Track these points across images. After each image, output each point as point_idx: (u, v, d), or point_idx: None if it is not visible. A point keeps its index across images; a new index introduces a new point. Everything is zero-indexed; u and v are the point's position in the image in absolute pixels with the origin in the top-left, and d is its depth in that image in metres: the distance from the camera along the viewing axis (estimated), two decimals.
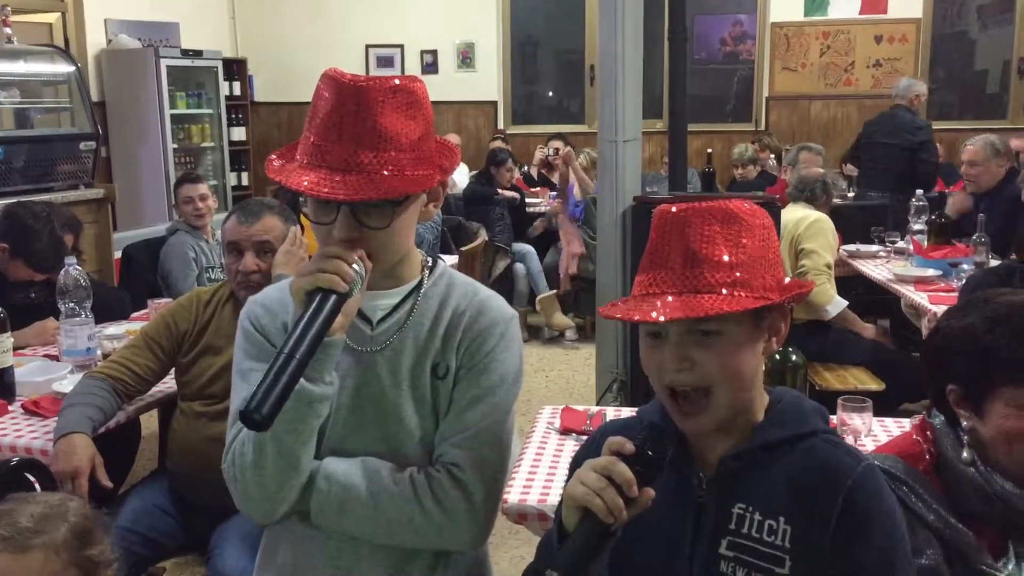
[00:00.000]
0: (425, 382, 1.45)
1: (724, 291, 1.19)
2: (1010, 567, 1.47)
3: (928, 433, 1.59)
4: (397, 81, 1.35)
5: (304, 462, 1.40)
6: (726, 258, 1.20)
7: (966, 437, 1.53)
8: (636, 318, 1.20)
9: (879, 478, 1.25)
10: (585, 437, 2.42)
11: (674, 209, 1.24)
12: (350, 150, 1.31)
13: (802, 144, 5.72)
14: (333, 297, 1.30)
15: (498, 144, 7.82)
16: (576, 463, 1.35)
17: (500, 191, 6.80)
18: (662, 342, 1.23)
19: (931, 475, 1.54)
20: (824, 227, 4.32)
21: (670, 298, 1.19)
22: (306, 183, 1.31)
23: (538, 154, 8.26)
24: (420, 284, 1.49)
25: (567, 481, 1.30)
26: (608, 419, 2.52)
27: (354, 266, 1.32)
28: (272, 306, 1.51)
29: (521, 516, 2.08)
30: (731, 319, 1.19)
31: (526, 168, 8.31)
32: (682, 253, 1.21)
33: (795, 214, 4.36)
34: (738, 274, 1.20)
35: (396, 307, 1.47)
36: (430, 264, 1.52)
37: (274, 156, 1.43)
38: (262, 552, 1.58)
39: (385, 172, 1.32)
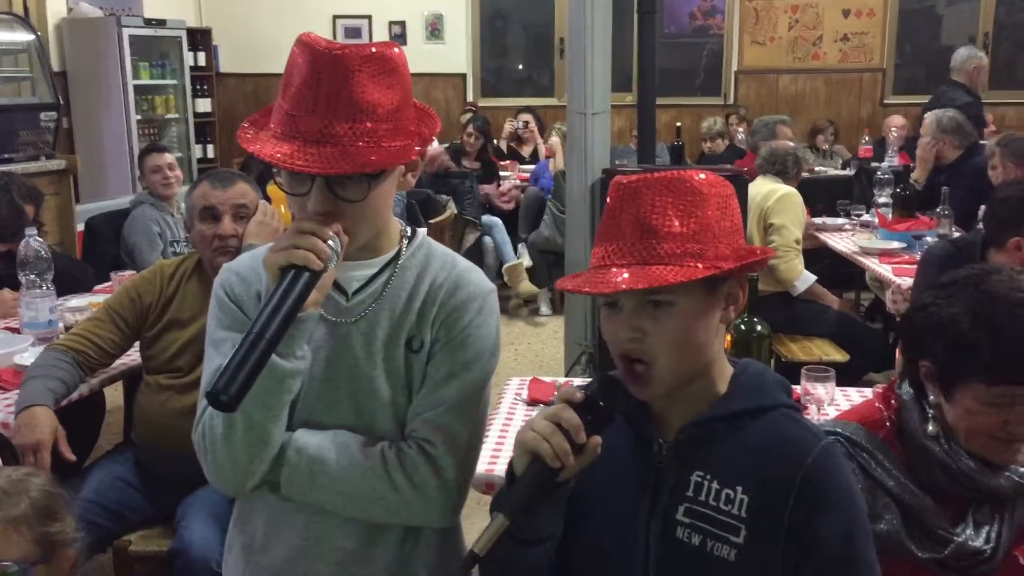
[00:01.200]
0: (399, 355, 1.43)
1: (674, 262, 1.19)
2: (968, 532, 1.49)
3: (892, 401, 1.61)
4: (374, 49, 1.31)
5: (275, 436, 1.39)
6: (677, 228, 1.21)
7: (931, 411, 1.54)
8: (586, 290, 1.21)
9: (837, 455, 1.26)
10: None
11: (627, 180, 1.24)
12: (325, 121, 1.28)
13: (777, 117, 5.69)
14: (306, 274, 1.27)
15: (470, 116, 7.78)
16: None
17: (465, 164, 6.80)
18: (617, 312, 1.25)
19: (891, 442, 1.56)
20: (794, 202, 4.34)
21: (624, 271, 1.20)
22: (279, 155, 1.28)
23: (507, 127, 8.23)
24: (398, 255, 1.47)
25: None
26: None
27: (329, 242, 1.30)
28: (246, 274, 1.49)
29: (488, 486, 2.09)
30: (682, 290, 1.20)
31: (496, 141, 8.28)
32: (634, 224, 1.22)
33: (764, 187, 4.38)
34: (689, 244, 1.20)
35: (372, 278, 1.45)
36: (409, 235, 1.50)
37: (246, 124, 1.40)
38: (234, 521, 1.58)
39: (361, 144, 1.28)
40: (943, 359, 1.50)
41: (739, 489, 1.23)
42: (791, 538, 1.20)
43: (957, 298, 1.49)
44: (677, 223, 1.21)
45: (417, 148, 1.37)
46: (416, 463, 1.40)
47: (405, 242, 1.48)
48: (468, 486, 1.48)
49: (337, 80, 1.28)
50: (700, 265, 1.20)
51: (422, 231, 1.54)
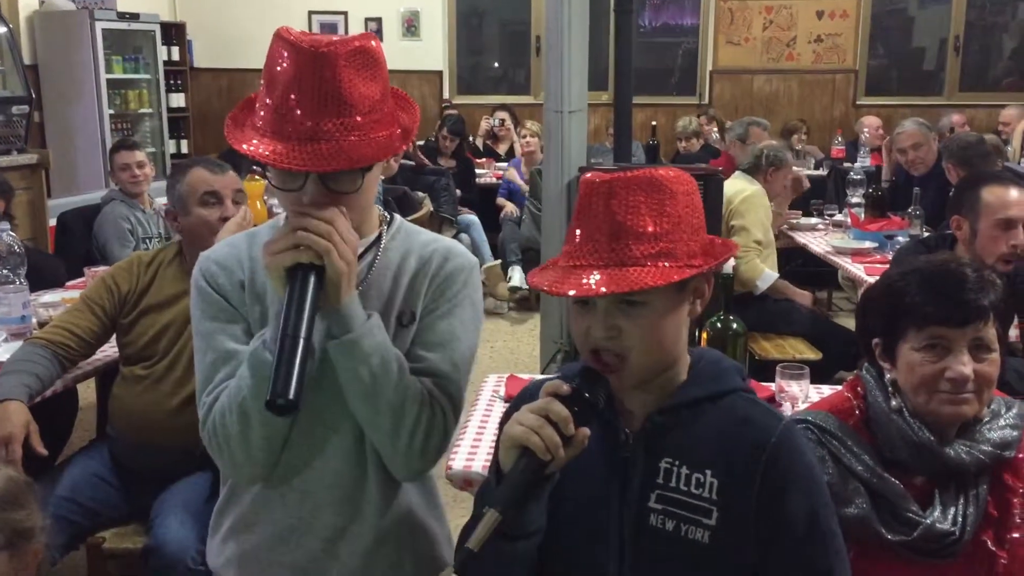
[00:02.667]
0: (390, 331, 1.46)
1: (649, 263, 1.21)
2: (935, 514, 1.53)
3: (859, 389, 1.67)
4: (356, 43, 1.33)
5: (287, 426, 1.43)
6: (650, 228, 1.22)
7: (891, 388, 1.61)
8: (567, 292, 1.21)
9: (798, 435, 1.31)
10: None
11: (598, 179, 1.25)
12: (314, 118, 1.30)
13: (751, 119, 5.72)
14: (314, 272, 1.30)
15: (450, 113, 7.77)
16: (507, 419, 1.37)
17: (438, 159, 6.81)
18: (589, 310, 1.26)
19: (861, 429, 1.63)
20: (756, 202, 4.36)
21: (596, 273, 1.21)
22: (273, 154, 1.30)
23: (484, 125, 8.23)
24: (379, 238, 1.51)
25: (500, 428, 1.33)
26: None
27: (339, 228, 1.33)
28: (227, 263, 1.50)
29: (466, 482, 2.10)
30: (656, 290, 1.21)
31: (471, 139, 8.28)
32: (607, 224, 1.22)
33: (734, 187, 4.41)
34: (662, 244, 1.22)
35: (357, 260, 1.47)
36: (388, 219, 1.54)
37: (230, 122, 1.41)
38: (219, 507, 1.60)
39: (352, 138, 1.31)
40: (883, 323, 1.59)
41: (708, 472, 1.26)
42: (760, 516, 1.25)
43: (890, 272, 1.63)
44: (650, 223, 1.22)
45: (402, 138, 1.40)
46: (438, 419, 1.45)
47: (385, 226, 1.52)
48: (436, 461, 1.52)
49: (323, 77, 1.29)
50: (673, 265, 1.22)
51: (398, 216, 1.59)
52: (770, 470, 1.25)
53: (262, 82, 1.35)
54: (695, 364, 1.34)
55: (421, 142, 7.38)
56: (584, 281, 1.21)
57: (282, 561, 1.52)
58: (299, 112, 1.30)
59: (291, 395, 1.21)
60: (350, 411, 1.44)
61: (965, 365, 1.50)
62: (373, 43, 1.36)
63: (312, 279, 1.30)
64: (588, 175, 1.28)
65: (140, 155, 4.50)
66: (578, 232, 1.25)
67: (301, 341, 1.25)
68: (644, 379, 1.28)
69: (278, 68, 1.32)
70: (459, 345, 1.49)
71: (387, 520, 1.52)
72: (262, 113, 1.34)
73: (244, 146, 1.33)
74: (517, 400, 1.41)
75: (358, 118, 1.32)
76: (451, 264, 1.50)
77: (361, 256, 1.47)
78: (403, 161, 6.41)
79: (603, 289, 1.19)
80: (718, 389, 1.31)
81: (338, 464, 1.48)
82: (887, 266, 3.93)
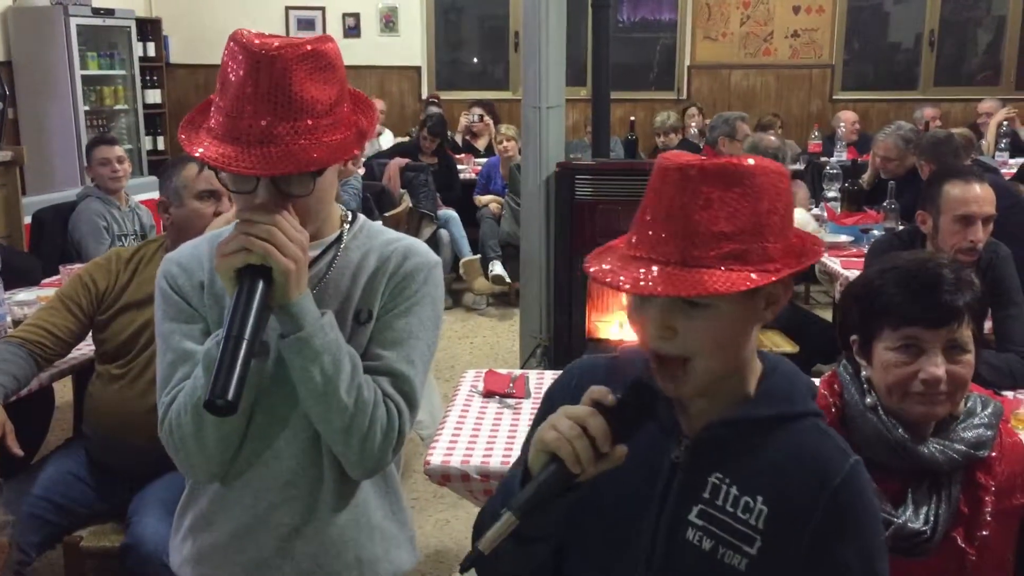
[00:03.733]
0: (347, 329, 1.46)
1: (717, 265, 1.09)
2: (907, 513, 1.54)
3: (835, 386, 1.67)
4: (309, 46, 1.33)
5: (243, 425, 1.44)
6: (724, 227, 1.09)
7: (866, 386, 1.61)
8: (622, 286, 1.11)
9: (864, 475, 1.22)
10: (510, 399, 2.45)
11: (674, 164, 1.13)
12: (265, 121, 1.29)
13: (736, 114, 5.66)
14: (262, 274, 1.30)
15: (436, 110, 7.75)
16: (549, 398, 1.33)
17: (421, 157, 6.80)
18: (647, 305, 1.16)
19: (836, 427, 1.61)
20: None
21: (655, 268, 1.11)
22: (223, 157, 1.30)
23: (463, 121, 8.22)
24: (340, 237, 1.51)
25: (535, 421, 1.27)
26: (531, 383, 2.55)
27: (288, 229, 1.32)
28: (187, 264, 1.51)
29: (444, 477, 2.10)
30: (723, 295, 1.10)
31: (450, 135, 8.27)
32: (676, 216, 1.11)
33: None
34: (735, 245, 1.10)
35: (315, 260, 1.48)
36: (350, 219, 1.54)
37: (186, 124, 1.40)
38: (184, 498, 1.61)
39: (303, 142, 1.31)
40: (860, 320, 1.59)
41: (759, 499, 1.17)
42: (811, 557, 1.16)
43: (871, 268, 1.63)
44: (724, 221, 1.09)
45: (357, 142, 1.39)
46: (393, 418, 1.45)
47: (347, 226, 1.52)
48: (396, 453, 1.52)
49: (275, 80, 1.29)
50: (744, 270, 1.10)
51: (362, 215, 1.58)
52: (831, 509, 1.15)
53: (218, 84, 1.35)
54: (767, 376, 1.23)
55: (404, 139, 7.38)
56: (641, 276, 1.10)
57: (237, 559, 1.52)
58: (250, 115, 1.29)
59: (230, 396, 1.21)
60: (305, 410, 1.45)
61: (938, 367, 1.49)
62: (328, 45, 1.36)
63: (260, 280, 1.30)
64: (664, 157, 1.15)
65: (120, 150, 4.46)
66: (648, 219, 1.14)
67: (244, 342, 1.24)
68: (707, 387, 1.18)
69: (231, 71, 1.31)
70: (417, 343, 1.48)
71: (342, 520, 1.52)
72: (215, 116, 1.34)
73: (196, 150, 1.33)
74: (558, 388, 1.34)
75: (309, 121, 1.31)
76: (410, 262, 1.50)
77: (321, 255, 1.48)
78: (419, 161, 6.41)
79: (659, 289, 1.09)
80: (789, 411, 1.21)
81: (293, 463, 1.48)
82: (863, 259, 3.97)
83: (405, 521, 1.65)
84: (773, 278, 1.11)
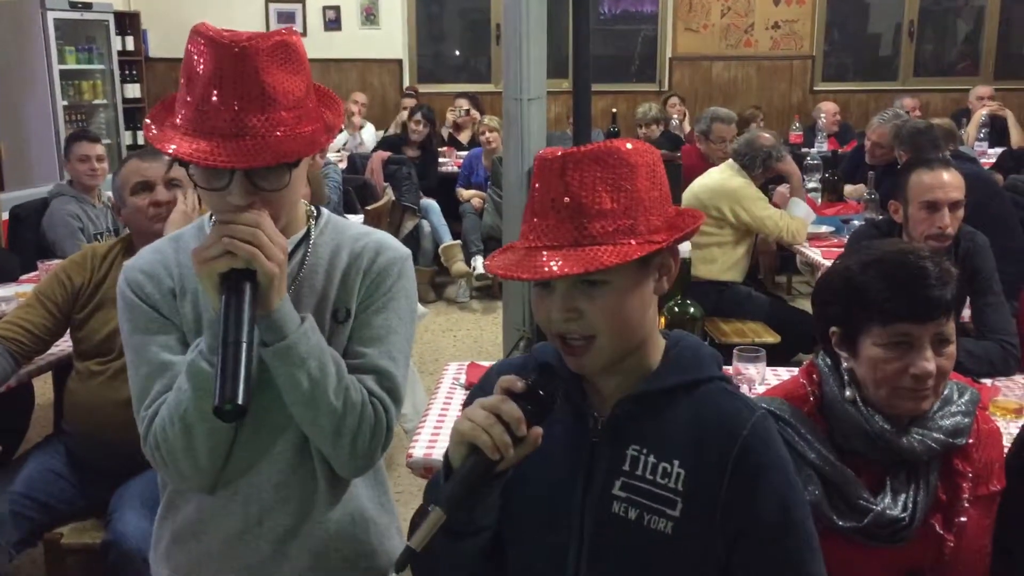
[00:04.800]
0: (326, 328, 1.45)
1: (608, 241, 1.16)
2: (886, 500, 1.55)
3: (814, 376, 1.67)
4: (276, 38, 1.32)
5: (231, 432, 1.41)
6: (608, 205, 1.17)
7: (846, 377, 1.61)
8: (519, 276, 1.17)
9: (772, 426, 1.27)
10: None
11: (551, 155, 1.20)
12: (237, 114, 1.27)
13: (713, 115, 5.58)
14: (249, 276, 1.28)
15: (411, 101, 7.73)
16: (469, 404, 1.35)
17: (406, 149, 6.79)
18: (550, 292, 1.22)
19: (815, 416, 1.63)
20: (750, 192, 4.36)
21: (554, 254, 1.17)
22: (197, 152, 1.27)
23: (450, 116, 8.19)
24: (308, 234, 1.49)
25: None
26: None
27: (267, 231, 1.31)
28: (153, 271, 1.46)
29: (427, 470, 2.10)
30: (616, 268, 1.16)
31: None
32: (563, 202, 1.17)
33: (734, 180, 4.37)
34: (621, 220, 1.17)
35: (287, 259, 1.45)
36: (315, 214, 1.52)
37: (149, 121, 1.37)
38: (161, 515, 1.57)
39: (278, 133, 1.29)
40: (843, 315, 1.58)
41: (676, 463, 1.23)
42: (727, 510, 1.21)
43: (848, 259, 1.61)
44: (608, 199, 1.17)
45: (326, 133, 1.38)
46: (380, 416, 1.44)
47: (312, 221, 1.51)
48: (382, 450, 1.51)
49: (245, 72, 1.27)
50: (634, 242, 1.17)
51: (325, 210, 1.56)
52: (741, 461, 1.21)
53: (182, 80, 1.32)
54: (671, 349, 1.30)
55: (392, 133, 7.34)
56: (542, 264, 1.16)
57: (232, 565, 1.51)
58: (222, 108, 1.27)
59: (240, 400, 1.20)
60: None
61: (929, 361, 1.50)
62: (294, 38, 1.35)
63: (247, 282, 1.28)
64: (541, 151, 1.22)
65: (100, 148, 4.39)
66: (536, 210, 1.20)
67: (243, 345, 1.23)
68: (612, 361, 1.24)
69: (198, 65, 1.29)
70: (396, 338, 1.48)
71: (337, 516, 1.51)
72: (183, 112, 1.31)
73: (168, 147, 1.30)
74: (477, 388, 1.39)
75: (283, 113, 1.30)
76: (383, 257, 1.49)
77: (292, 254, 1.45)
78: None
79: (562, 271, 1.14)
80: (694, 377, 1.27)
81: (284, 464, 1.47)
82: (843, 250, 4.00)
83: (393, 510, 1.65)
84: (661, 246, 1.19)
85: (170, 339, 1.44)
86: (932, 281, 1.50)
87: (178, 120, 1.32)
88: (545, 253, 1.18)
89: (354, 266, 1.47)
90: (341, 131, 7.55)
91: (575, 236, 1.17)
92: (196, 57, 1.30)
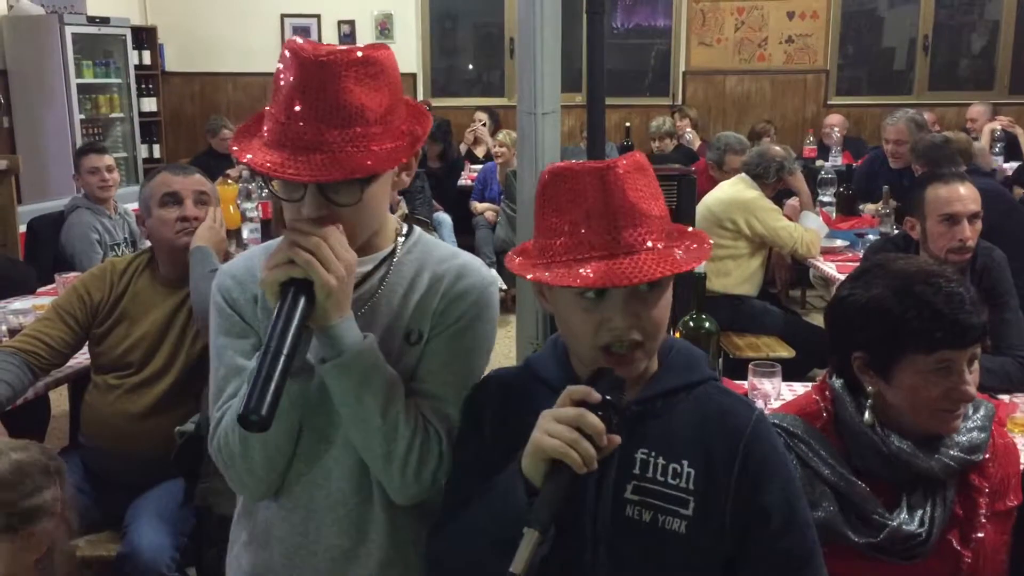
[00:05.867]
0: (396, 349, 1.42)
1: (660, 244, 1.20)
2: (902, 516, 1.54)
3: (827, 393, 1.66)
4: (360, 52, 1.31)
5: (289, 446, 1.41)
6: (658, 211, 1.23)
7: (869, 401, 1.59)
8: (613, 283, 1.17)
9: (769, 424, 1.32)
10: None
11: (603, 165, 1.22)
12: (314, 128, 1.27)
13: (726, 146, 5.49)
14: (306, 290, 1.27)
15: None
16: (472, 411, 1.37)
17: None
18: (600, 302, 1.22)
19: (828, 432, 1.62)
20: (763, 204, 4.36)
21: (636, 257, 1.18)
22: (269, 163, 1.28)
23: (469, 136, 8.22)
24: (393, 252, 1.47)
25: (460, 433, 1.33)
26: None
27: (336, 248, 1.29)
28: (242, 277, 1.47)
29: None
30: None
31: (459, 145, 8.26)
32: (619, 210, 1.20)
33: (748, 192, 4.37)
34: (667, 227, 1.23)
35: (368, 275, 1.44)
36: (405, 232, 1.50)
37: (238, 134, 1.38)
38: (238, 516, 1.57)
39: (350, 149, 1.28)
40: (876, 343, 1.56)
41: (685, 463, 1.25)
42: (737, 505, 1.25)
43: (873, 283, 1.57)
44: (655, 206, 1.23)
45: (408, 150, 1.36)
46: (432, 445, 1.40)
47: (401, 240, 1.49)
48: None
49: (324, 86, 1.27)
50: (676, 247, 1.22)
51: (418, 228, 1.54)
52: (747, 457, 1.25)
53: (272, 93, 1.34)
54: (666, 353, 1.33)
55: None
56: (623, 267, 1.17)
57: None
58: (301, 123, 1.27)
59: (263, 411, 1.19)
60: None
61: (971, 385, 1.52)
62: (381, 52, 1.33)
63: (303, 296, 1.27)
64: (569, 165, 1.24)
65: (109, 159, 4.43)
66: (576, 221, 1.21)
67: (282, 357, 1.22)
68: (647, 365, 1.28)
69: (283, 79, 1.30)
70: (462, 367, 1.44)
71: (394, 543, 1.47)
72: (268, 124, 1.32)
73: (246, 156, 1.31)
74: (473, 396, 1.39)
75: (359, 128, 1.29)
76: (464, 282, 1.45)
77: (374, 270, 1.44)
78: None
79: (659, 273, 1.17)
80: (692, 379, 1.31)
81: (342, 483, 1.45)
82: (858, 264, 3.98)
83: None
84: (706, 254, 1.24)
85: (247, 344, 1.44)
86: (968, 307, 1.50)
87: (264, 134, 1.33)
88: (589, 264, 1.19)
89: (433, 288, 1.44)
90: None
91: (629, 242, 1.20)
92: (282, 71, 1.30)
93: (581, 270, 1.19)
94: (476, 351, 1.46)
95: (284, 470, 1.44)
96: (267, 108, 1.35)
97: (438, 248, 1.51)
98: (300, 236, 1.29)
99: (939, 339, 1.50)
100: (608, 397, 1.18)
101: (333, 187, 1.31)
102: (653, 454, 1.26)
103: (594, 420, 1.16)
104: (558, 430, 1.16)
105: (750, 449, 1.26)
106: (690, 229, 1.31)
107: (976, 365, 1.55)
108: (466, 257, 1.50)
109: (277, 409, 1.21)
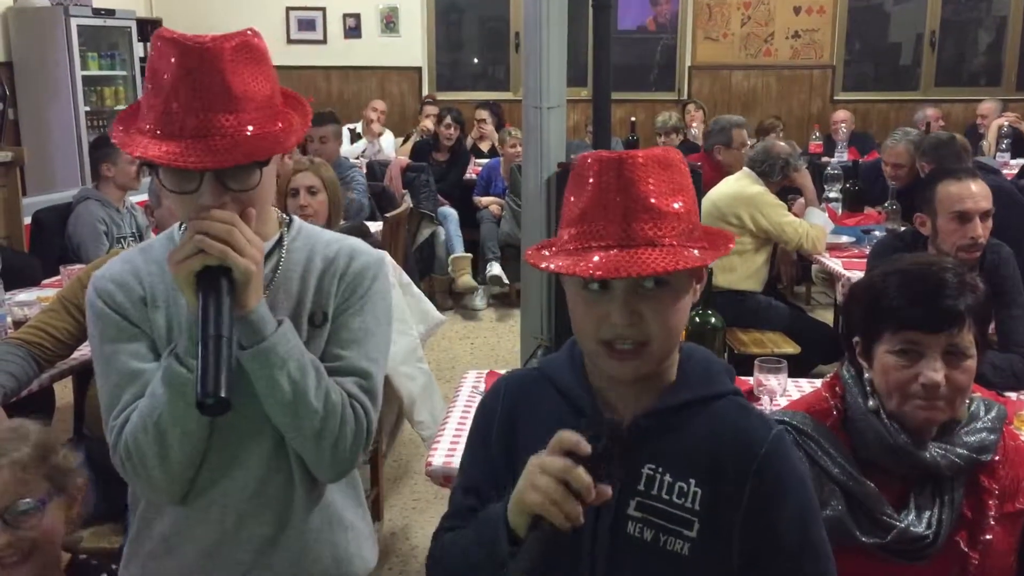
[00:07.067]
0: (302, 333, 1.44)
1: (675, 242, 1.14)
2: (910, 517, 1.53)
3: (836, 388, 1.65)
4: (239, 39, 1.31)
5: (206, 438, 1.40)
6: (677, 206, 1.15)
7: (869, 388, 1.59)
8: (618, 273, 1.11)
9: (788, 442, 1.25)
10: None
11: (614, 156, 1.16)
12: (206, 114, 1.26)
13: (735, 121, 5.50)
14: (223, 272, 1.27)
15: (434, 109, 7.75)
16: (483, 415, 1.34)
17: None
18: (603, 295, 1.17)
19: (838, 430, 1.61)
20: (768, 199, 4.35)
21: (645, 251, 1.12)
22: (168, 154, 1.26)
23: (476, 132, 8.21)
24: (281, 239, 1.48)
25: (471, 435, 1.30)
26: None
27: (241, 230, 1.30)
28: (123, 279, 1.45)
29: (446, 479, 2.10)
30: (677, 272, 1.14)
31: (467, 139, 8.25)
32: (633, 202, 1.13)
33: (752, 187, 4.36)
34: (685, 224, 1.15)
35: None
36: (287, 221, 1.51)
37: (119, 127, 1.36)
38: (134, 530, 1.56)
39: (248, 132, 1.28)
40: (862, 322, 1.58)
41: (692, 482, 1.20)
42: (746, 529, 1.19)
43: (875, 270, 1.61)
44: (676, 201, 1.15)
45: (301, 131, 1.37)
46: (360, 418, 1.43)
47: (284, 228, 1.50)
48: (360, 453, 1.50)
49: (211, 72, 1.27)
50: (695, 245, 1.16)
51: (296, 217, 1.56)
52: (759, 480, 1.19)
53: (148, 85, 1.32)
54: (684, 362, 1.27)
55: (417, 138, 7.35)
56: (640, 260, 1.11)
57: None
58: (188, 110, 1.26)
59: (223, 392, 1.19)
60: (267, 417, 1.41)
61: (937, 372, 1.48)
62: (257, 39, 1.34)
63: (223, 279, 1.27)
64: (594, 154, 1.19)
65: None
66: (588, 212, 1.16)
67: (224, 340, 1.22)
68: (653, 370, 1.21)
69: (163, 68, 1.28)
70: (374, 340, 1.48)
71: (317, 522, 1.50)
72: (150, 116, 1.30)
73: (136, 150, 1.29)
74: (486, 402, 1.36)
75: (249, 112, 1.29)
76: (358, 262, 1.49)
77: (265, 259, 1.43)
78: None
79: (662, 268, 1.10)
80: (708, 393, 1.24)
81: (260, 471, 1.46)
82: (864, 260, 3.97)
83: (366, 516, 1.64)
84: (723, 252, 1.17)
85: (140, 347, 1.42)
86: (948, 291, 1.48)
87: (145, 125, 1.30)
88: (600, 252, 1.14)
89: (329, 270, 1.47)
90: (360, 138, 7.59)
91: (643, 236, 1.13)
92: (161, 61, 1.29)
93: (584, 260, 1.14)
94: (382, 323, 1.49)
95: (198, 467, 1.43)
96: (140, 100, 1.34)
97: (322, 233, 1.54)
98: (208, 224, 1.28)
99: (904, 317, 1.49)
100: (601, 442, 1.10)
101: (231, 173, 1.31)
102: (660, 470, 1.21)
103: (579, 476, 1.08)
104: (543, 484, 1.09)
105: (763, 469, 1.20)
106: (717, 229, 1.25)
107: (966, 363, 1.50)
108: (351, 239, 1.54)
109: (232, 386, 1.21)
